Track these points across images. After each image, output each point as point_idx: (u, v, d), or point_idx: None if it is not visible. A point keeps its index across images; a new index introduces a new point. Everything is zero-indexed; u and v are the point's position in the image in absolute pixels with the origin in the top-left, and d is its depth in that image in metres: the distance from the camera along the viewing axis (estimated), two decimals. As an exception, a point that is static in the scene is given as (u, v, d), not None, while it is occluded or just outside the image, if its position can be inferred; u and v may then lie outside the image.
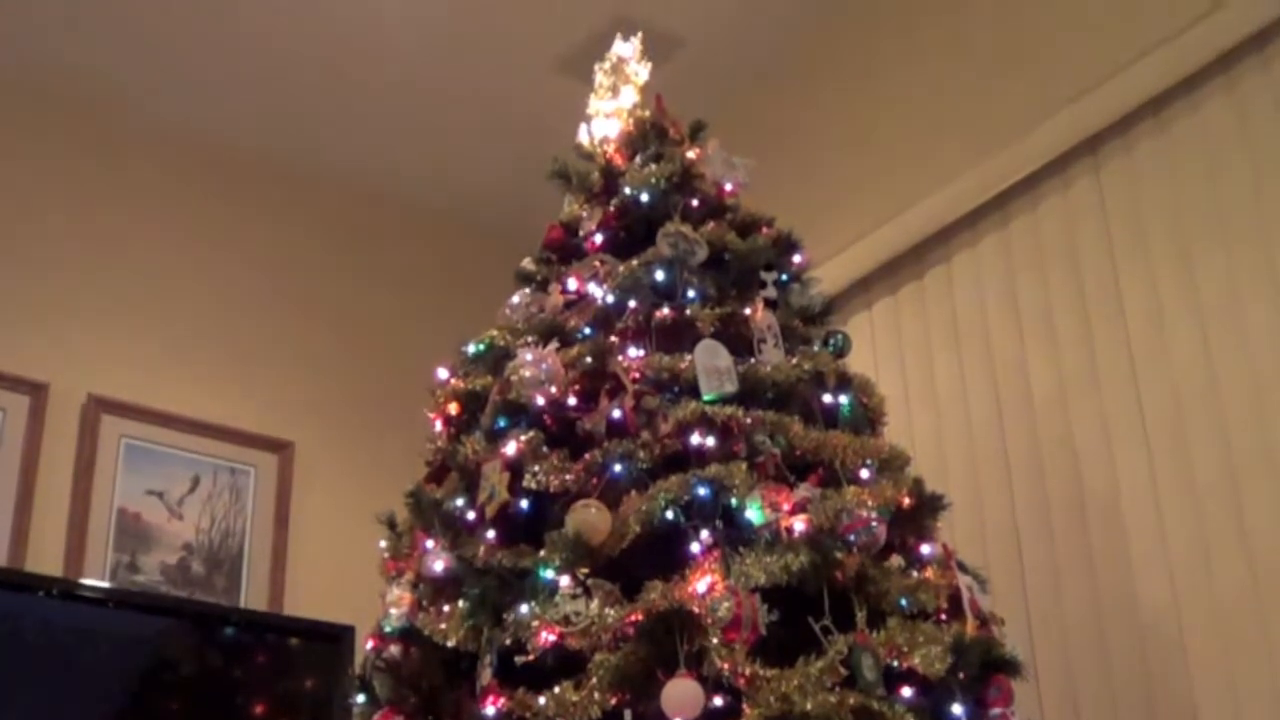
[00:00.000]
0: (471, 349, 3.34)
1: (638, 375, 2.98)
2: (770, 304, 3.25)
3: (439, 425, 3.28)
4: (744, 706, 2.49)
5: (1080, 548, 3.74)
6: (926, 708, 2.65)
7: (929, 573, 2.91)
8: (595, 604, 2.65)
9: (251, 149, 5.45)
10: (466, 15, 4.89)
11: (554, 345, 3.10)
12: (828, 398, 3.11)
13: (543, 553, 2.75)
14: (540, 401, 3.02)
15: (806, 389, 3.08)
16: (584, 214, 3.49)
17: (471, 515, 2.99)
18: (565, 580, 2.69)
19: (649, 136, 3.56)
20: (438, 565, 2.95)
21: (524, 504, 2.92)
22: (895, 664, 2.67)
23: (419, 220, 5.86)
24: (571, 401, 3.03)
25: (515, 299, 3.45)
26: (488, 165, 5.58)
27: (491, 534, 2.91)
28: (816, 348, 3.25)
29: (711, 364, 2.99)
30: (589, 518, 2.76)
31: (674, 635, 2.54)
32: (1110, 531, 3.68)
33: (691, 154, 3.51)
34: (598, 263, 3.32)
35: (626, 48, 3.82)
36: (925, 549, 2.98)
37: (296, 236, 5.55)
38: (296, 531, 5.06)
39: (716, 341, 3.05)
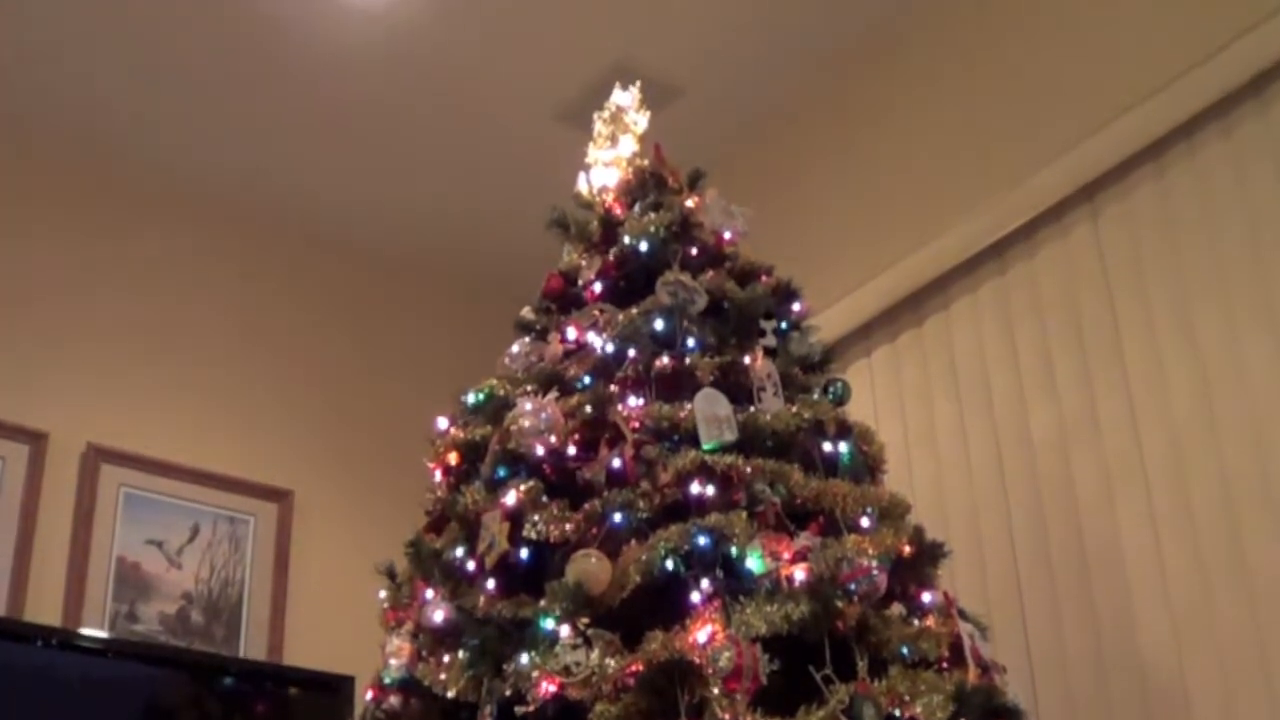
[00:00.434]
0: (471, 398, 3.34)
1: (637, 424, 2.98)
2: (770, 352, 3.25)
3: (439, 475, 3.28)
4: (746, 756, 2.48)
5: (1082, 594, 3.73)
6: (929, 757, 2.64)
7: (930, 621, 2.90)
8: (596, 654, 2.64)
9: (250, 203, 5.47)
10: (464, 65, 4.90)
11: (553, 394, 3.10)
12: (828, 446, 3.10)
13: (543, 603, 2.74)
14: (540, 451, 3.01)
15: (806, 437, 3.07)
16: (583, 263, 3.49)
17: (471, 565, 2.98)
18: (565, 630, 2.67)
19: (648, 185, 3.57)
20: (437, 615, 2.94)
21: (524, 554, 2.91)
22: (897, 713, 2.65)
23: (418, 269, 5.87)
24: (571, 451, 3.02)
25: (515, 348, 3.45)
26: (486, 215, 5.60)
27: (491, 584, 2.90)
28: (816, 396, 3.24)
29: (711, 413, 2.99)
30: (589, 567, 2.76)
31: (675, 685, 2.54)
32: (1111, 578, 3.67)
33: (690, 203, 3.51)
34: (597, 312, 3.32)
35: (625, 97, 3.84)
36: (926, 597, 2.97)
37: (296, 289, 5.57)
38: (296, 581, 5.05)
39: (716, 390, 3.05)
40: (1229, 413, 3.50)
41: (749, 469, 2.89)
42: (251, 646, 4.87)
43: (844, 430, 3.18)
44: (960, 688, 2.71)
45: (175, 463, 4.94)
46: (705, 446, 2.92)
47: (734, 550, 2.73)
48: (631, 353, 3.16)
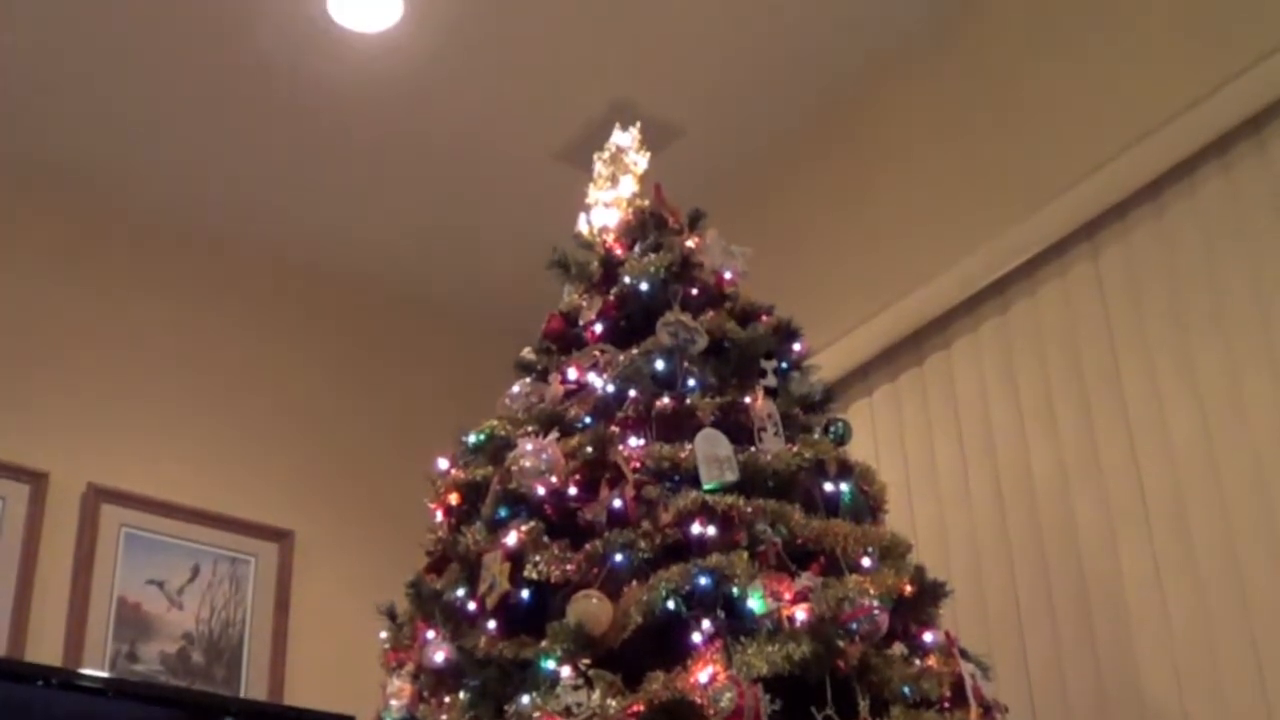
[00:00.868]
0: (472, 439, 3.34)
1: (638, 465, 2.98)
2: (770, 392, 3.26)
3: (439, 515, 3.27)
4: (748, 798, 2.48)
5: (1083, 633, 3.72)
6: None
7: (932, 660, 2.90)
8: (597, 695, 2.63)
9: (248, 242, 5.49)
10: (463, 104, 4.92)
11: (554, 435, 3.10)
12: (829, 486, 3.11)
13: (544, 643, 2.74)
14: (541, 491, 3.01)
15: (807, 477, 3.07)
16: (583, 303, 3.50)
17: (472, 606, 2.98)
18: (566, 671, 2.67)
19: (648, 225, 3.57)
20: (438, 656, 2.94)
21: (525, 594, 2.90)
22: (899, 753, 2.66)
23: (418, 309, 5.88)
24: (572, 491, 3.02)
25: (515, 389, 3.45)
26: (486, 255, 5.61)
27: (492, 624, 2.90)
28: (817, 435, 3.24)
29: (712, 453, 2.99)
30: (590, 608, 2.76)
31: (677, 726, 2.54)
32: (1113, 616, 3.66)
33: (691, 243, 3.51)
34: (598, 352, 3.32)
35: (625, 137, 3.84)
36: (928, 637, 2.97)
37: (296, 327, 5.57)
38: (297, 621, 5.04)
39: (717, 430, 3.05)
40: (1230, 451, 3.51)
41: (750, 509, 2.88)
42: (252, 687, 4.85)
43: (845, 470, 3.18)
44: (962, 727, 2.72)
45: (176, 503, 4.94)
46: (706, 487, 2.92)
47: (735, 590, 2.72)
48: (632, 393, 3.16)
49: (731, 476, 2.96)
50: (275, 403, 5.37)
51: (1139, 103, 3.92)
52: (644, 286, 3.37)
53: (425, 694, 2.98)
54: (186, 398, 5.16)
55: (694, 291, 3.40)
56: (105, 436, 4.92)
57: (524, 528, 2.94)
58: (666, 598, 2.73)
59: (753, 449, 3.07)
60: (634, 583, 2.80)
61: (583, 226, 3.73)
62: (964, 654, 2.99)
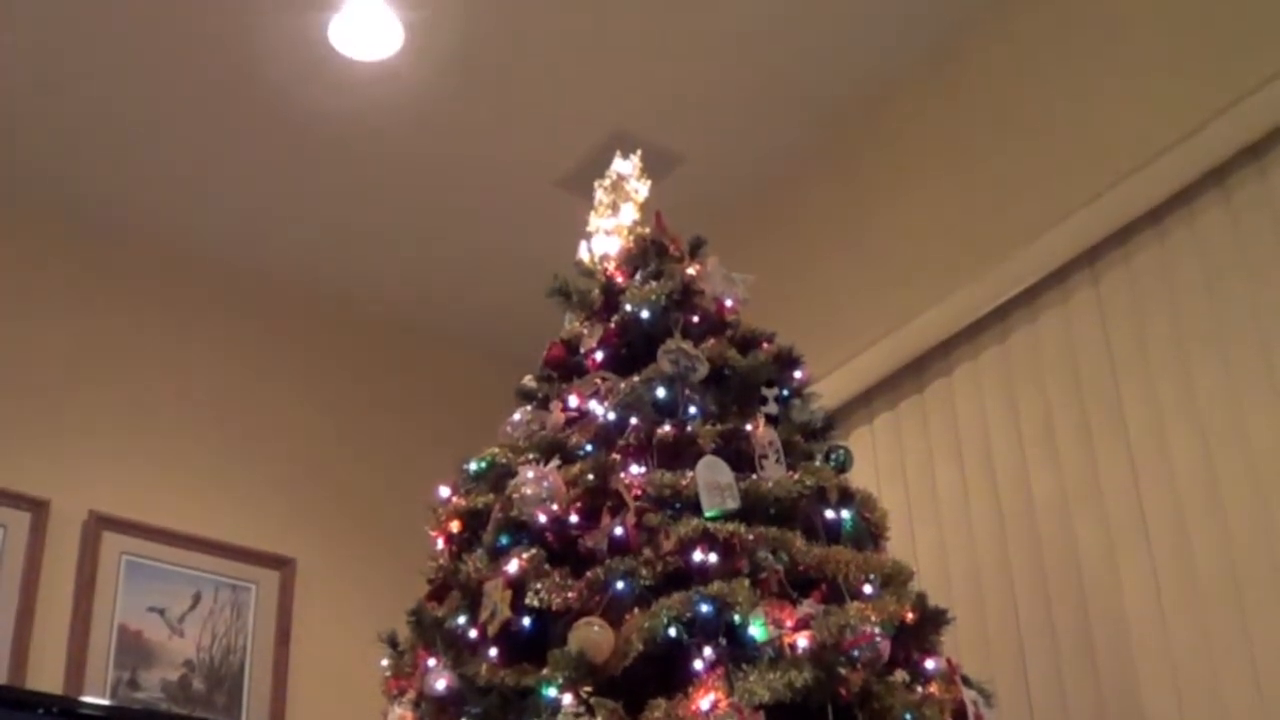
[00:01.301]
0: (473, 466, 3.34)
1: (639, 492, 2.98)
2: (771, 420, 3.26)
3: (441, 543, 3.27)
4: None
5: (1085, 659, 3.72)
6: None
7: (934, 688, 2.90)
8: (598, 723, 2.64)
9: (252, 270, 5.50)
10: (465, 132, 4.93)
11: (555, 463, 3.10)
12: (830, 513, 3.11)
13: (545, 671, 2.74)
14: (542, 519, 3.01)
15: (808, 504, 3.07)
16: (585, 331, 3.50)
17: (474, 633, 2.98)
18: (568, 699, 2.67)
19: (649, 253, 3.58)
20: (440, 684, 2.93)
21: (526, 622, 2.90)
22: (901, 780, 2.66)
23: (419, 337, 5.89)
24: (573, 519, 3.02)
25: (516, 416, 3.46)
26: (488, 283, 5.62)
27: (494, 652, 2.90)
28: (818, 463, 3.24)
29: (713, 480, 2.99)
30: (591, 635, 2.75)
31: (678, 754, 2.54)
32: (1115, 644, 3.66)
33: (691, 270, 3.51)
34: (599, 380, 3.33)
35: (626, 165, 3.85)
36: (930, 664, 2.97)
37: (297, 355, 5.58)
38: (298, 648, 5.04)
39: (718, 458, 3.05)
40: (1231, 476, 3.50)
41: (751, 536, 2.88)
42: (253, 714, 4.85)
43: (846, 497, 3.18)
44: (965, 755, 2.72)
45: (177, 530, 4.94)
46: (707, 514, 2.92)
47: (737, 618, 2.72)
48: (633, 421, 3.17)
49: (733, 504, 2.96)
50: (276, 430, 5.38)
51: (1140, 129, 3.92)
52: (645, 314, 3.37)
53: (426, 722, 2.97)
54: (187, 425, 5.16)
55: (695, 319, 3.41)
56: (106, 464, 4.93)
57: (525, 555, 2.94)
58: (668, 625, 2.73)
59: (754, 476, 3.07)
60: (635, 610, 2.80)
61: (584, 254, 3.74)
62: (966, 681, 2.99)
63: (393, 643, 3.27)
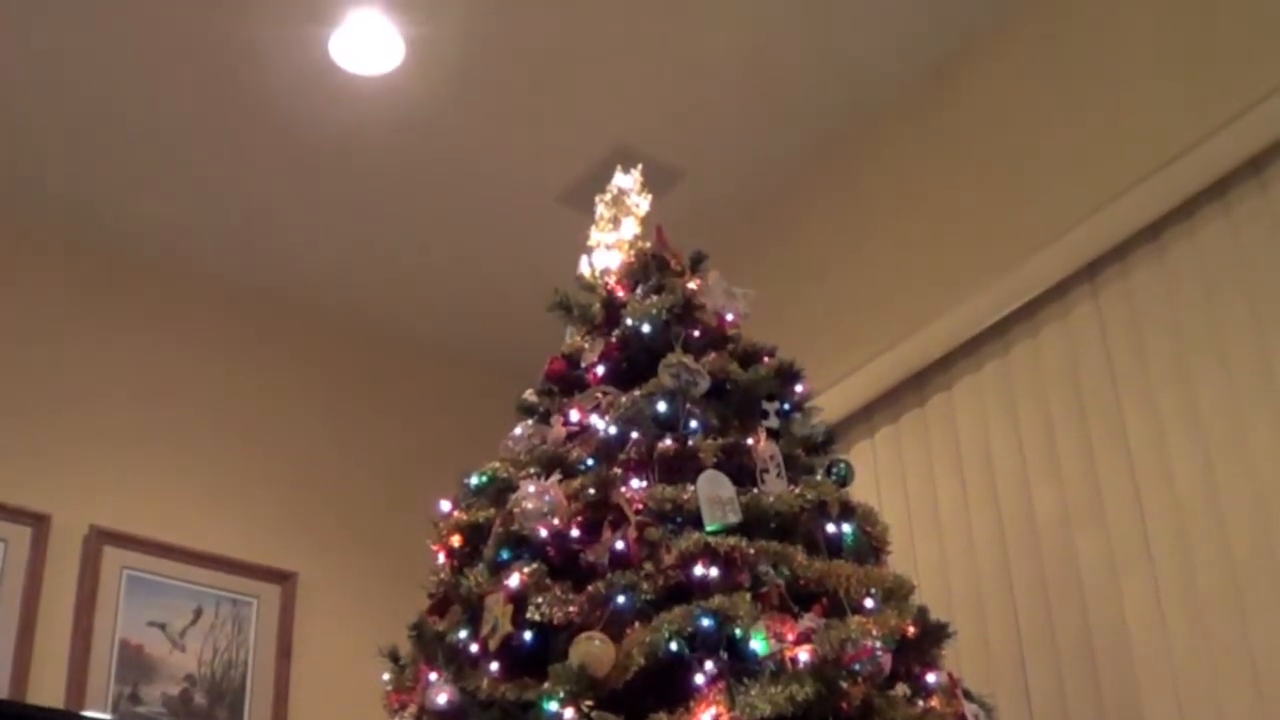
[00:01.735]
0: (474, 481, 3.34)
1: (640, 506, 2.98)
2: (773, 434, 3.26)
3: (442, 557, 3.27)
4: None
5: (1086, 673, 3.72)
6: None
7: (935, 701, 2.90)
8: (600, 736, 2.64)
9: (253, 284, 5.50)
10: (466, 146, 4.94)
11: (556, 477, 3.11)
12: (831, 527, 3.10)
13: (546, 685, 2.73)
14: (543, 533, 3.01)
15: (810, 518, 3.07)
16: (586, 345, 3.50)
17: (475, 647, 2.97)
18: (569, 713, 2.67)
19: (650, 268, 3.58)
20: (441, 698, 2.93)
21: (527, 636, 2.90)
22: (903, 794, 2.65)
23: (420, 351, 5.89)
24: (574, 533, 3.02)
25: (517, 431, 3.45)
26: (488, 297, 5.62)
27: (495, 666, 2.90)
28: (819, 477, 3.23)
29: (714, 494, 2.99)
30: (593, 649, 2.75)
31: (679, 768, 2.54)
32: (1116, 657, 3.66)
33: (692, 285, 3.52)
34: (600, 394, 3.33)
35: (627, 179, 3.85)
36: (931, 678, 2.96)
37: (298, 369, 5.58)
38: (299, 663, 5.04)
39: (719, 472, 3.05)
40: (1233, 490, 3.50)
41: (752, 550, 2.88)
42: (254, 728, 4.86)
43: (847, 511, 3.18)
44: (966, 769, 2.71)
45: (178, 545, 4.93)
46: (709, 528, 2.92)
47: (738, 632, 2.72)
48: (634, 435, 3.17)
49: (734, 518, 2.96)
50: (277, 444, 5.38)
51: (1139, 143, 3.93)
52: (646, 328, 3.37)
53: (427, 736, 2.97)
54: (188, 439, 5.16)
55: (696, 333, 3.41)
56: (107, 478, 4.92)
57: (526, 569, 2.94)
58: (669, 639, 2.73)
59: (755, 490, 3.07)
60: (636, 624, 2.80)
61: (585, 268, 3.74)
62: (967, 695, 2.99)
63: (394, 657, 3.26)
